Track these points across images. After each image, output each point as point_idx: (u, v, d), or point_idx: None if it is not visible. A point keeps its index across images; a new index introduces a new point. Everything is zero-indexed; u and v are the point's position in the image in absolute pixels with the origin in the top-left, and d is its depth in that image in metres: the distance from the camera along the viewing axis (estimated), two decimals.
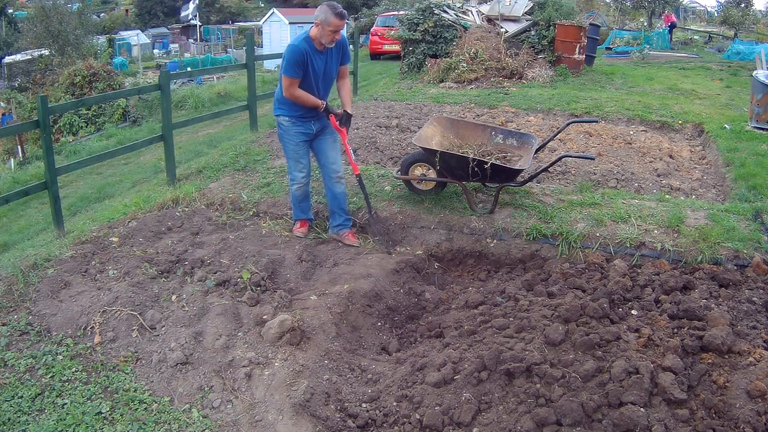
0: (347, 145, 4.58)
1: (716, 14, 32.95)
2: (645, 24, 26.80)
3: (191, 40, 36.72)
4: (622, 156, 6.49)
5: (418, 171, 5.04)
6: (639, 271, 3.95)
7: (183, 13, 29.72)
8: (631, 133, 7.46)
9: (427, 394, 2.94)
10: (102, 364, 3.17)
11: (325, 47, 4.20)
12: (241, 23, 43.35)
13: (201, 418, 2.87)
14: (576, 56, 12.29)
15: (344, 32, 4.29)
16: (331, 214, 4.71)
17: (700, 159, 6.70)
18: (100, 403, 2.92)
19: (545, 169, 4.86)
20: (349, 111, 4.50)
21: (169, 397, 2.99)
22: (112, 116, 14.71)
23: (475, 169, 4.46)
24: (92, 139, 13.31)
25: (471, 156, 4.51)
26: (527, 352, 2.98)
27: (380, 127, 7.47)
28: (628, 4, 29.86)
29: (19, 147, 14.00)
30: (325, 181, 4.61)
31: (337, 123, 4.45)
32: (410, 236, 4.72)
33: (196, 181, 5.86)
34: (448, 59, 11.94)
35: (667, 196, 5.18)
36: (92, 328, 3.40)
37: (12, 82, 24.45)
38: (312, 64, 4.19)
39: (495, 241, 4.55)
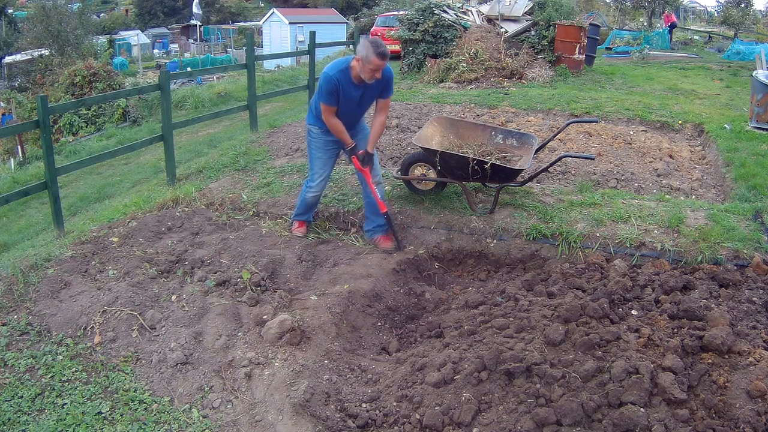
0: (372, 186, 4.41)
1: (716, 14, 32.94)
2: (645, 24, 26.79)
3: (191, 40, 36.75)
4: (622, 156, 6.49)
5: (418, 171, 5.04)
6: (639, 271, 3.95)
7: (196, 11, 29.77)
8: (631, 133, 7.46)
9: (427, 394, 2.94)
10: (102, 364, 3.17)
11: (361, 81, 4.12)
12: (241, 23, 43.38)
13: (201, 418, 2.87)
14: (576, 56, 12.28)
15: (389, 67, 4.18)
16: (366, 219, 4.69)
17: (700, 159, 6.70)
18: (100, 403, 2.92)
19: (545, 169, 4.86)
20: (370, 151, 4.37)
21: (169, 397, 2.99)
22: (112, 116, 14.71)
23: (475, 169, 4.46)
24: (92, 139, 13.32)
25: (471, 156, 4.51)
26: (527, 352, 2.98)
27: None
28: (628, 4, 29.84)
29: (19, 147, 14.00)
30: (363, 186, 4.57)
31: (360, 163, 4.38)
32: (410, 236, 4.72)
33: (196, 181, 5.86)
34: (448, 59, 11.93)
35: (667, 196, 5.18)
36: (92, 328, 3.40)
37: (12, 82, 24.47)
38: (345, 95, 4.15)
39: (495, 241, 4.55)
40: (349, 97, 4.17)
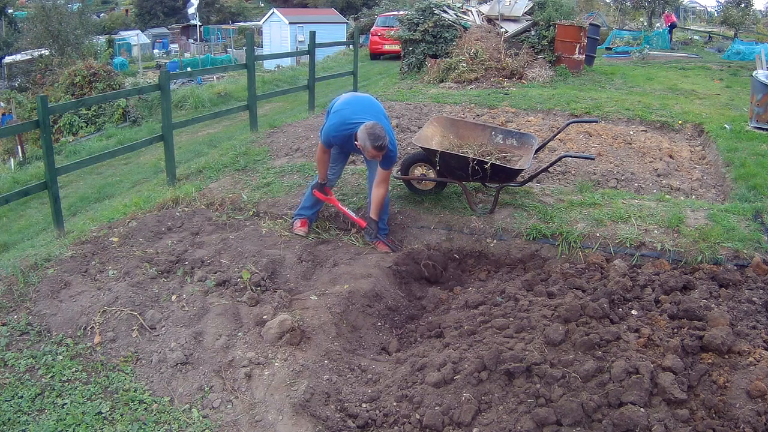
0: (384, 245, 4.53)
1: (716, 14, 32.95)
2: (645, 24, 26.79)
3: (191, 40, 36.77)
4: (622, 156, 6.49)
5: (418, 171, 5.04)
6: (639, 271, 3.95)
7: (190, 11, 29.88)
8: (631, 133, 7.46)
9: (427, 394, 2.94)
10: (102, 364, 3.17)
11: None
12: (241, 23, 43.38)
13: (201, 418, 2.87)
14: (576, 56, 12.28)
15: (395, 143, 4.36)
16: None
17: (700, 159, 6.70)
18: (100, 403, 2.92)
19: (545, 169, 4.86)
20: (374, 217, 4.47)
21: (169, 397, 2.99)
22: (112, 116, 14.71)
23: (475, 169, 4.46)
24: (92, 139, 13.32)
25: (471, 156, 4.51)
26: (527, 352, 2.98)
27: None
28: (628, 4, 29.84)
29: (19, 147, 14.01)
30: (369, 190, 4.60)
31: (365, 236, 4.57)
32: (410, 236, 4.72)
33: (196, 181, 5.86)
34: (448, 59, 11.93)
35: (667, 196, 5.18)
36: (92, 328, 3.40)
37: (12, 82, 24.49)
38: (347, 148, 4.50)
39: (495, 241, 4.55)
40: (349, 151, 4.57)
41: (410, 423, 2.82)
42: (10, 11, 32.83)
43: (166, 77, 6.17)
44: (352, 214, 4.69)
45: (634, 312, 3.41)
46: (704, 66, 15.13)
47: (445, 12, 13.09)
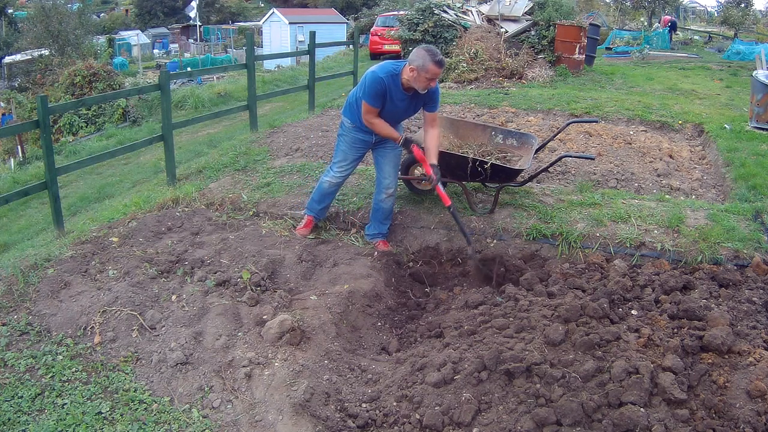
0: (440, 189, 4.19)
1: (716, 14, 32.96)
2: (645, 24, 26.79)
3: (191, 40, 36.77)
4: (622, 156, 6.49)
5: (418, 171, 5.04)
6: (639, 271, 3.95)
7: (190, 13, 29.91)
8: (631, 133, 7.46)
9: (427, 394, 2.94)
10: (102, 364, 3.17)
11: (413, 90, 3.99)
12: (241, 23, 43.40)
13: (201, 418, 2.87)
14: (576, 56, 12.28)
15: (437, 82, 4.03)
16: (370, 221, 4.65)
17: (700, 159, 6.70)
18: (100, 403, 2.92)
19: (545, 169, 4.86)
20: (434, 162, 4.18)
21: (169, 397, 2.99)
22: (112, 116, 14.71)
23: (476, 169, 4.46)
24: (92, 139, 13.32)
25: (471, 156, 4.51)
26: (527, 352, 2.98)
27: None
28: (628, 4, 29.87)
29: (19, 147, 14.01)
30: (376, 192, 4.54)
31: (432, 174, 4.14)
32: (410, 236, 4.72)
33: (196, 181, 5.86)
34: (448, 59, 11.92)
35: (667, 196, 5.18)
36: (92, 328, 3.40)
37: (12, 82, 24.49)
38: (392, 101, 4.03)
39: (495, 241, 4.54)
40: (395, 103, 4.05)
41: (410, 423, 2.82)
42: (10, 11, 32.83)
43: (166, 77, 6.17)
44: (441, 189, 4.21)
45: (634, 312, 3.41)
46: (704, 66, 15.14)
47: (445, 12, 13.10)
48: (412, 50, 4.07)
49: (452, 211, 4.20)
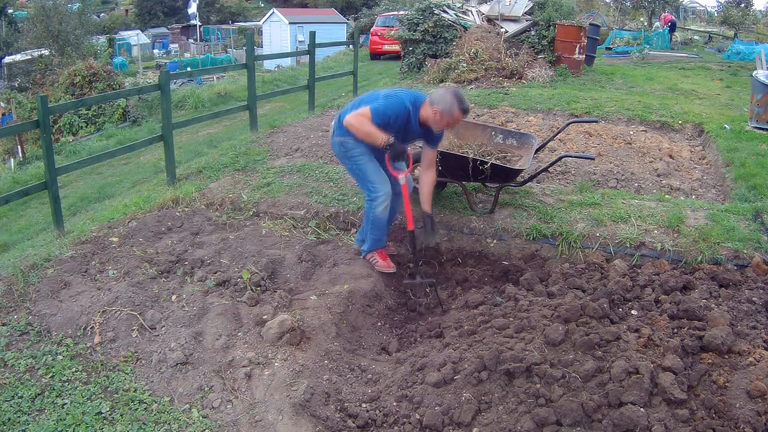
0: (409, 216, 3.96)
1: (716, 14, 32.96)
2: (645, 24, 26.79)
3: (191, 40, 36.76)
4: (622, 156, 6.49)
5: (417, 171, 5.04)
6: (639, 271, 3.95)
7: (190, 11, 29.90)
8: (631, 133, 7.46)
9: (427, 394, 2.94)
10: (102, 364, 3.17)
11: (426, 125, 3.87)
12: (241, 23, 43.40)
13: (201, 418, 2.87)
14: (576, 56, 12.28)
15: None
16: (360, 229, 4.46)
17: (700, 159, 6.70)
18: (100, 403, 2.92)
19: (545, 169, 4.86)
20: (428, 211, 4.05)
21: (169, 397, 2.99)
22: (112, 116, 14.71)
23: (476, 168, 4.46)
24: (92, 139, 13.31)
25: (471, 156, 4.51)
26: (527, 352, 2.98)
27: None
28: (628, 4, 29.86)
29: (19, 147, 14.00)
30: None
31: (419, 231, 3.99)
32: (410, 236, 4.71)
33: (196, 181, 5.85)
34: (448, 59, 11.93)
35: (667, 196, 5.18)
36: (92, 328, 3.40)
37: (12, 82, 24.47)
38: (406, 129, 3.86)
39: (495, 241, 4.55)
40: (408, 132, 3.89)
41: (410, 423, 2.82)
42: (10, 11, 32.82)
43: (166, 77, 6.16)
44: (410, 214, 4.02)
45: (634, 312, 3.41)
46: (704, 66, 15.13)
47: (445, 12, 13.09)
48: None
49: (415, 233, 4.03)
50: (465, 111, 3.77)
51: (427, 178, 4.08)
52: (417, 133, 3.94)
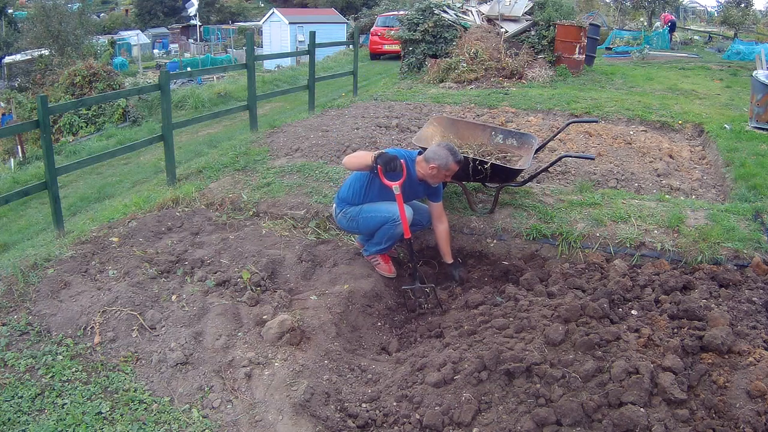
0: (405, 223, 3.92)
1: (716, 14, 32.97)
2: (645, 24, 26.79)
3: (191, 40, 36.78)
4: (622, 156, 6.49)
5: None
6: (639, 271, 3.95)
7: (189, 12, 29.95)
8: (631, 133, 7.46)
9: (427, 394, 2.94)
10: (102, 364, 3.17)
11: (424, 181, 4.01)
12: (241, 23, 43.42)
13: (201, 418, 2.87)
14: (576, 56, 12.28)
15: None
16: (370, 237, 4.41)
17: (700, 159, 6.70)
18: (100, 403, 2.92)
19: (545, 169, 4.86)
20: (448, 261, 4.21)
21: (169, 397, 2.99)
22: (112, 116, 14.72)
23: (476, 168, 4.46)
24: (92, 139, 13.32)
25: (471, 156, 4.51)
26: (527, 352, 2.98)
27: (380, 127, 7.47)
28: (628, 4, 29.87)
29: (19, 147, 14.01)
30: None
31: (453, 277, 4.20)
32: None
33: (196, 181, 5.85)
34: (448, 59, 11.93)
35: (667, 196, 5.18)
36: (92, 328, 3.40)
37: (12, 82, 24.49)
38: (408, 182, 3.95)
39: (495, 241, 4.55)
40: (410, 186, 3.99)
41: (410, 423, 2.82)
42: (10, 11, 32.83)
43: (166, 77, 6.17)
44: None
45: (634, 312, 3.41)
46: (704, 66, 15.13)
47: (445, 12, 13.10)
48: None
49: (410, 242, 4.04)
50: (459, 162, 3.95)
51: (440, 231, 4.20)
52: (417, 185, 4.07)
